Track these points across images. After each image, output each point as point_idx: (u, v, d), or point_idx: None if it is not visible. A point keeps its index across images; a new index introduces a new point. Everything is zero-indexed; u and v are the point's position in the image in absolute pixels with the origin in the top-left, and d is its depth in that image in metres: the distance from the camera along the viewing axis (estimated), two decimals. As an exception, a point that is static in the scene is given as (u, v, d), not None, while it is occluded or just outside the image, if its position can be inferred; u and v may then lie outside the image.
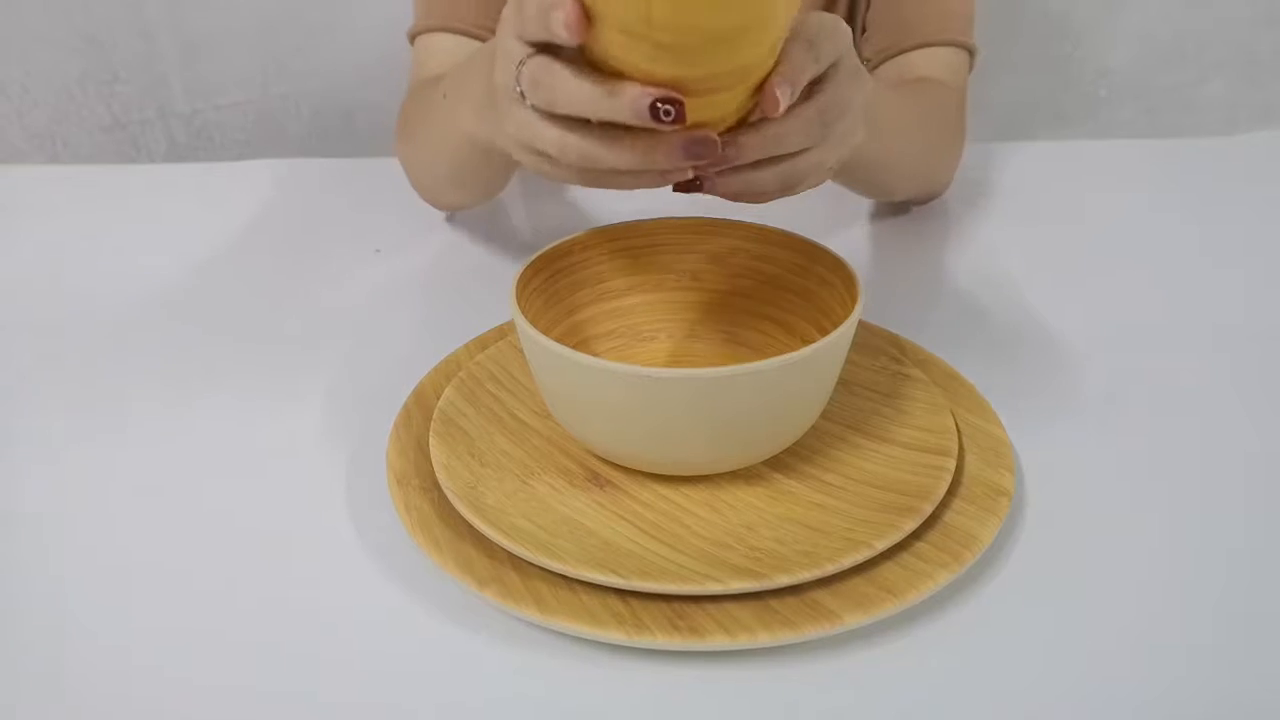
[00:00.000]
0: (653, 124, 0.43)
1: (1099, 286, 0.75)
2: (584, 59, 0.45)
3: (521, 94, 0.47)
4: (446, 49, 0.82)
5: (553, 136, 0.47)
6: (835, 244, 0.58)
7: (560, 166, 0.49)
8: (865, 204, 0.87)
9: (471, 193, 0.79)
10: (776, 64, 0.45)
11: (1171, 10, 1.36)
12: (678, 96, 0.43)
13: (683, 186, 0.50)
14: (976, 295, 0.75)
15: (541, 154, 0.49)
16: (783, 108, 0.45)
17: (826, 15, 0.48)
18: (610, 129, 0.46)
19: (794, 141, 0.48)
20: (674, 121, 0.43)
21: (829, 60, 0.48)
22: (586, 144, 0.47)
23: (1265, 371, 0.65)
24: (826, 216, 0.84)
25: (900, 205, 0.87)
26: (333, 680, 0.45)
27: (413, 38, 0.85)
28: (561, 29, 0.42)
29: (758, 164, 0.49)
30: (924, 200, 0.87)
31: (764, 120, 0.47)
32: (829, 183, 0.85)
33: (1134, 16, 1.36)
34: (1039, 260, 0.79)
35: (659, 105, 0.43)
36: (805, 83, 0.46)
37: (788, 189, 0.51)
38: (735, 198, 0.51)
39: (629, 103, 0.43)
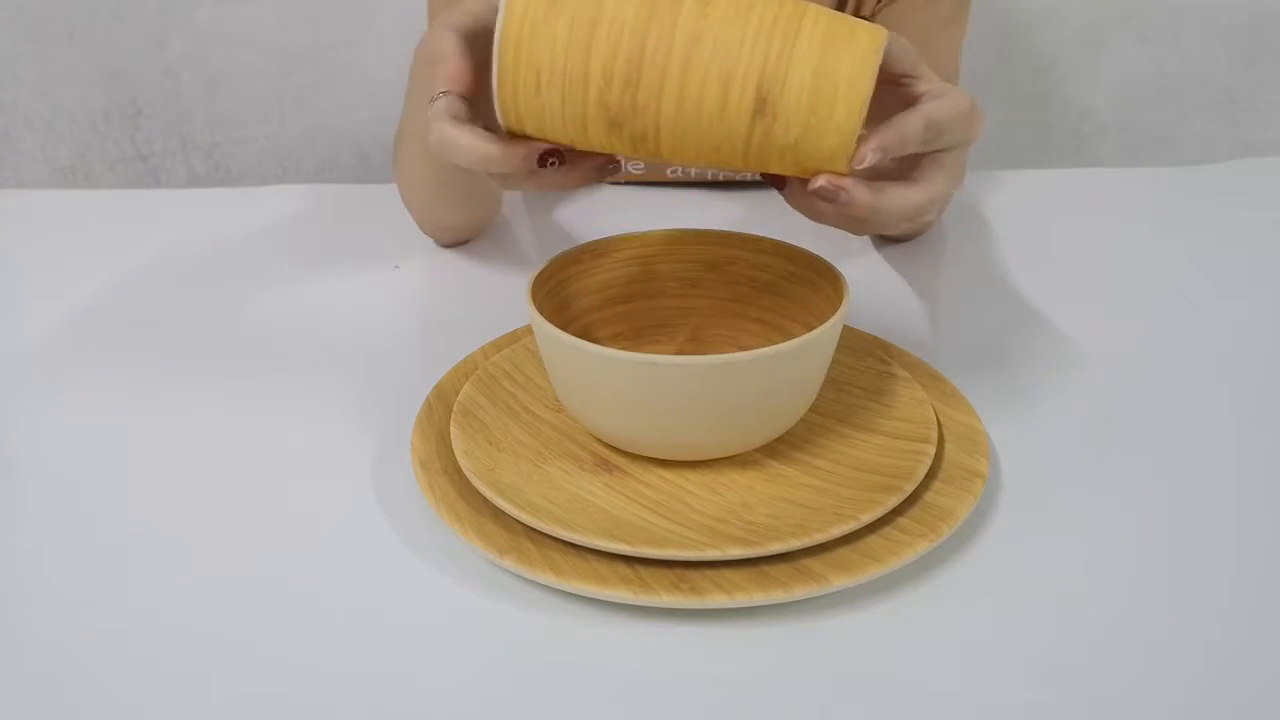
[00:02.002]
0: (542, 172, 0.50)
1: (1076, 299, 0.80)
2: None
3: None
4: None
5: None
6: (832, 262, 0.62)
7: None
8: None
9: (464, 206, 0.85)
10: (880, 129, 0.50)
11: (1151, 51, 1.41)
12: (558, 148, 0.50)
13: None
14: (960, 307, 0.80)
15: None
16: (868, 163, 0.50)
17: (966, 100, 0.52)
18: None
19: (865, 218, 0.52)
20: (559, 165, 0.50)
21: (944, 144, 0.52)
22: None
23: (1233, 376, 0.70)
24: (820, 235, 0.89)
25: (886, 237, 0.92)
26: (365, 643, 0.50)
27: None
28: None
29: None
30: (910, 237, 0.91)
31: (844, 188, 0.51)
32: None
33: (1115, 57, 1.42)
34: (1021, 276, 0.84)
35: (546, 157, 0.50)
36: (902, 152, 0.51)
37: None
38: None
39: (521, 160, 0.50)
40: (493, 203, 0.87)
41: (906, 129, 0.50)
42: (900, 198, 0.52)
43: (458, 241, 0.90)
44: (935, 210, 0.54)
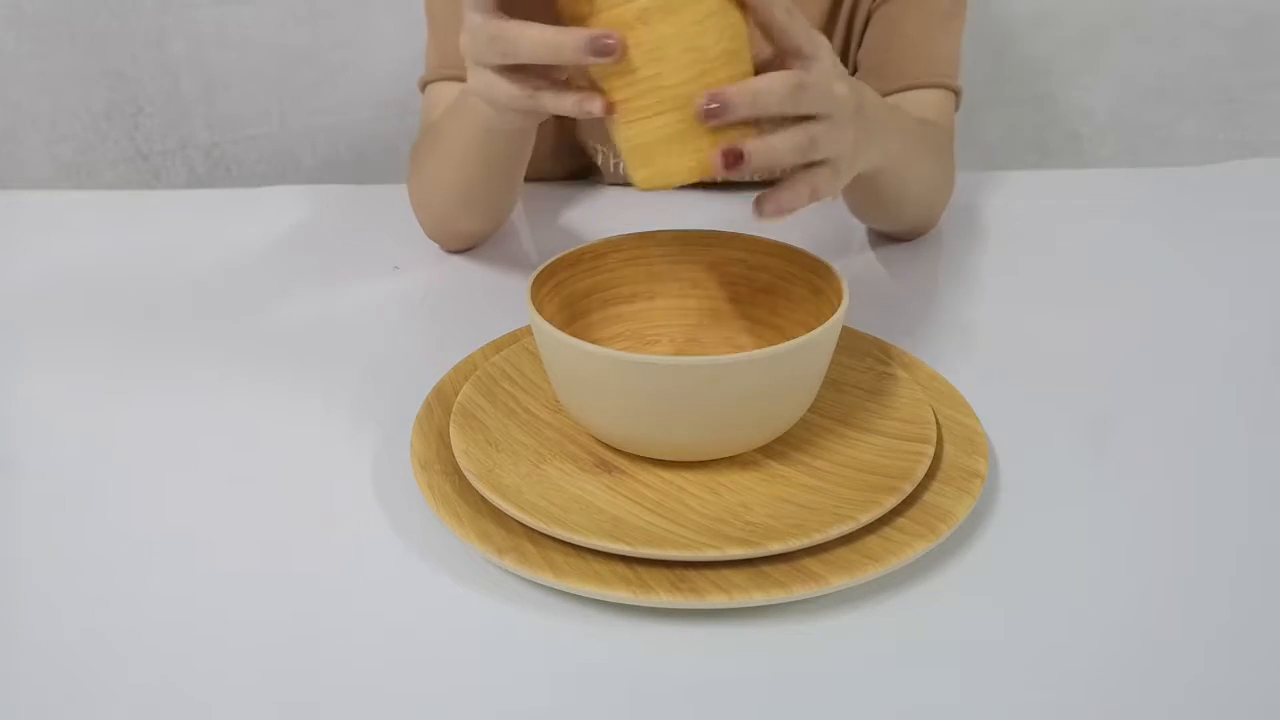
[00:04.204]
0: (595, 58, 0.52)
1: (1076, 300, 0.81)
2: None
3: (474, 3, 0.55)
4: (455, 97, 0.88)
5: (500, 32, 0.55)
6: (831, 263, 0.62)
7: (503, 73, 0.57)
8: (860, 229, 0.93)
9: (479, 212, 0.86)
10: None
11: (1150, 51, 1.42)
12: (612, 34, 0.51)
13: (729, 158, 0.54)
14: (960, 307, 0.80)
15: (490, 65, 0.57)
16: None
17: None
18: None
19: (772, 101, 0.53)
20: (609, 52, 0.51)
21: (806, 40, 0.55)
22: (524, 33, 0.54)
23: (1232, 376, 0.70)
24: (822, 240, 0.90)
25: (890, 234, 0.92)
26: (365, 643, 0.50)
27: (423, 86, 0.91)
28: None
29: (769, 130, 0.54)
30: (914, 233, 0.91)
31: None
32: (828, 209, 0.91)
33: (1115, 57, 1.42)
34: (1020, 277, 0.85)
35: (602, 40, 0.51)
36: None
37: (804, 156, 0.55)
38: (761, 166, 0.55)
39: (572, 48, 0.52)
40: (508, 208, 0.88)
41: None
42: None
43: (465, 248, 0.90)
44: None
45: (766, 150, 0.54)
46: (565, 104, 0.56)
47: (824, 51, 0.56)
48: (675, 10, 0.52)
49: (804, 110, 0.55)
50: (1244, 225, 0.93)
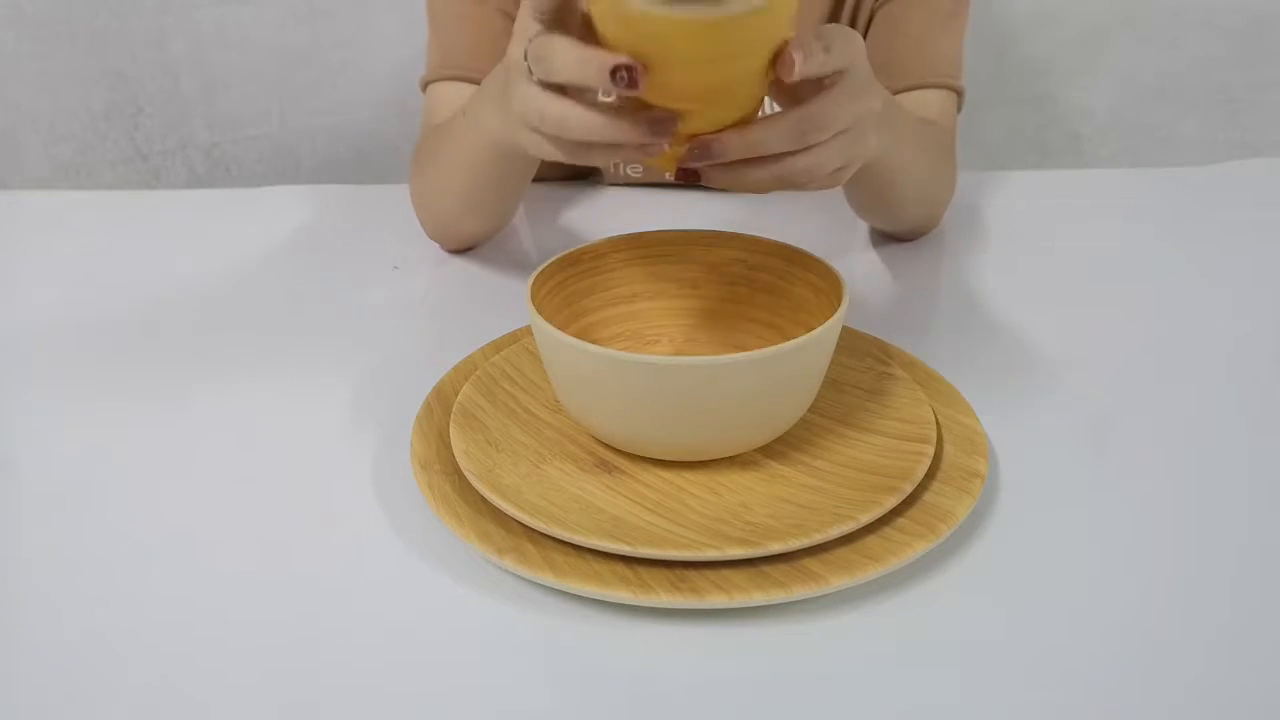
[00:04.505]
0: (613, 87, 0.50)
1: (1076, 300, 0.81)
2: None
3: (529, 69, 0.54)
4: (457, 97, 0.87)
5: (551, 110, 0.54)
6: (831, 263, 0.63)
7: (552, 139, 0.56)
8: (862, 229, 0.93)
9: (484, 216, 0.85)
10: (787, 45, 0.51)
11: (1151, 51, 1.42)
12: (634, 64, 0.50)
13: (681, 176, 0.55)
14: (960, 307, 0.80)
15: (538, 130, 0.56)
16: (797, 70, 0.51)
17: (840, 26, 0.54)
18: (598, 107, 0.53)
19: (774, 145, 0.54)
20: (629, 85, 0.49)
21: (839, 63, 0.53)
22: (575, 115, 0.53)
23: (1232, 376, 0.71)
24: (823, 240, 0.90)
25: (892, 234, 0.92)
26: (365, 643, 0.50)
27: (424, 86, 0.90)
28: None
29: (749, 162, 0.54)
30: (917, 233, 0.91)
31: (748, 125, 0.54)
32: (829, 209, 0.91)
33: (1115, 58, 1.42)
34: (1021, 277, 0.84)
35: (618, 70, 0.50)
36: (814, 65, 0.52)
37: (787, 185, 0.56)
38: (732, 188, 0.56)
39: (597, 67, 0.50)
40: (512, 211, 0.88)
41: (805, 39, 0.52)
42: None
43: (466, 248, 0.90)
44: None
45: (737, 177, 0.55)
46: (622, 157, 0.55)
47: (858, 60, 0.55)
48: (729, 99, 0.53)
49: (822, 139, 0.55)
50: (1245, 225, 0.93)
